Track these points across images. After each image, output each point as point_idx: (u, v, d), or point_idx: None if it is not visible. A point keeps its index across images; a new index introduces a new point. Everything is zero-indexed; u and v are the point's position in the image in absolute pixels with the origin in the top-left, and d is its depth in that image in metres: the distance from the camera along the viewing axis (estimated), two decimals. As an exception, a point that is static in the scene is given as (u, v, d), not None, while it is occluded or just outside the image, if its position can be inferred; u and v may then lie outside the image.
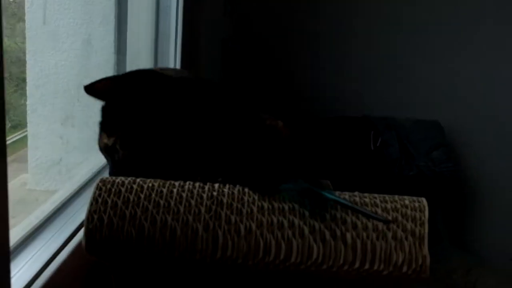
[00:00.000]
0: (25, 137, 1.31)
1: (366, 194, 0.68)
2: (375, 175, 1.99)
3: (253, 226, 0.62)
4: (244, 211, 0.64)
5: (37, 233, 0.77)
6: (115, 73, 1.31)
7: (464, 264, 1.99)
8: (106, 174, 1.08)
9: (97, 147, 0.86)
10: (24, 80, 1.24)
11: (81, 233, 0.79)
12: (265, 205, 0.64)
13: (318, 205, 0.64)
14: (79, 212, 0.85)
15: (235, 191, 0.66)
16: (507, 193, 2.24)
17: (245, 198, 0.65)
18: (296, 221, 0.63)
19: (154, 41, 1.42)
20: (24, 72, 1.23)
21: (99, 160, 1.13)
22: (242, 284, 0.67)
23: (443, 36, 2.15)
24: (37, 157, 1.40)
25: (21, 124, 1.28)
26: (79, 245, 0.73)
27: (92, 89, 0.78)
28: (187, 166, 0.72)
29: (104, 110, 0.81)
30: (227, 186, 0.67)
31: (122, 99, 0.78)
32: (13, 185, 1.39)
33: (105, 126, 0.80)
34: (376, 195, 0.67)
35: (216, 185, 0.67)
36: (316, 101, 2.17)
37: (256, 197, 0.65)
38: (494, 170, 2.24)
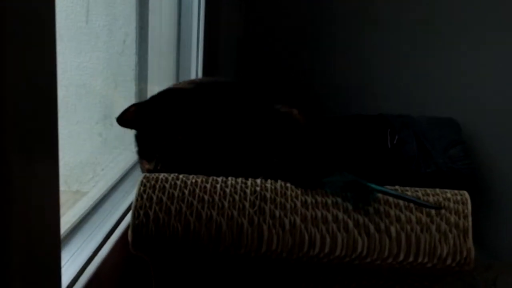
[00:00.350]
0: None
1: (407, 188, 0.68)
2: (393, 172, 1.99)
3: (298, 220, 0.63)
4: (288, 205, 0.64)
5: (79, 228, 0.78)
6: (136, 76, 1.31)
7: (484, 261, 1.98)
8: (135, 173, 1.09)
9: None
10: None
11: (119, 229, 0.80)
12: (309, 199, 0.65)
13: (361, 198, 0.64)
14: (117, 207, 0.86)
15: (278, 186, 0.66)
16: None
17: (288, 193, 0.65)
18: (340, 215, 0.63)
19: (176, 42, 1.42)
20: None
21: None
22: (286, 277, 0.67)
23: (457, 32, 2.14)
24: (65, 158, 1.41)
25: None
26: (118, 241, 0.74)
27: (123, 120, 0.81)
28: (228, 172, 0.74)
29: (137, 138, 0.83)
30: (270, 181, 0.67)
31: (151, 123, 0.80)
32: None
33: (142, 154, 0.82)
34: (418, 188, 0.68)
35: (259, 180, 0.67)
36: (331, 100, 2.18)
37: (299, 192, 0.65)
38: (510, 166, 2.23)
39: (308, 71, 2.17)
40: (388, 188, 0.66)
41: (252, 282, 0.68)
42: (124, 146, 1.25)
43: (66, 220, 0.83)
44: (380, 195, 0.65)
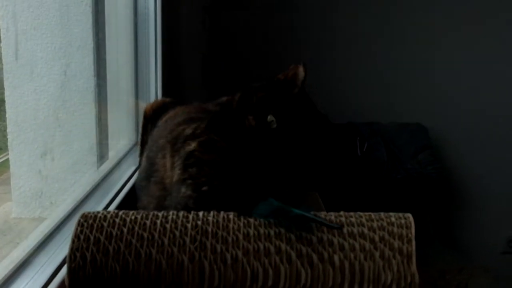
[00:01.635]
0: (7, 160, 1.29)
1: (352, 213, 0.67)
2: (364, 180, 2.00)
3: (240, 254, 0.62)
4: (230, 239, 0.63)
5: (21, 270, 0.76)
6: (96, 98, 1.29)
7: (456, 263, 2.00)
8: (89, 204, 1.07)
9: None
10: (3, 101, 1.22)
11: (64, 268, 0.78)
12: (251, 231, 0.64)
13: (294, 223, 0.63)
14: (64, 243, 0.84)
15: (220, 219, 0.65)
16: (493, 189, 2.27)
17: (230, 225, 0.64)
18: (283, 246, 0.63)
19: (134, 59, 1.40)
20: (3, 93, 1.22)
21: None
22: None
23: (422, 38, 2.17)
24: (20, 185, 1.38)
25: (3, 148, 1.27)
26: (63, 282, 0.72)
27: None
28: None
29: None
30: (212, 213, 0.66)
31: None
32: (-2, 214, 1.38)
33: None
34: (362, 214, 0.67)
35: (201, 213, 0.66)
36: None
37: (241, 224, 0.64)
38: (479, 167, 2.26)
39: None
40: (308, 212, 0.65)
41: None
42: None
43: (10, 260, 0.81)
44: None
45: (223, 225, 0.64)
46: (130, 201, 1.11)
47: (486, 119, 2.22)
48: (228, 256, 0.61)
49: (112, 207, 1.07)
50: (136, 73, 1.38)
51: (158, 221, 0.64)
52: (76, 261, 0.60)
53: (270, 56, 2.12)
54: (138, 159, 1.31)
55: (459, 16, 2.14)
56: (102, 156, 1.28)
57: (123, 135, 1.35)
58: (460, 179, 2.28)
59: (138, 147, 1.16)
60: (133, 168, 1.26)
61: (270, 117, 0.77)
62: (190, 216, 0.65)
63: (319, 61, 2.16)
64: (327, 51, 2.16)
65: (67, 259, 0.60)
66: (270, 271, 0.61)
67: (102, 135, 1.29)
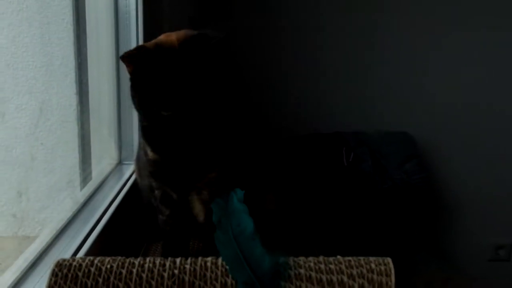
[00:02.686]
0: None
1: (331, 259, 0.67)
2: (350, 190, 2.00)
3: (217, 304, 0.61)
4: (207, 288, 0.62)
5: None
6: (78, 116, 1.27)
7: (443, 273, 2.01)
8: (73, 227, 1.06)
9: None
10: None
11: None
12: (228, 281, 0.63)
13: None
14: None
15: (197, 267, 0.64)
16: (480, 197, 2.28)
17: (208, 275, 0.63)
18: (261, 296, 0.62)
19: (116, 78, 1.38)
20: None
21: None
22: None
23: (408, 48, 2.17)
24: (2, 203, 1.37)
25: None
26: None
27: None
28: None
29: None
30: (189, 261, 0.65)
31: None
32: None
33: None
34: (342, 259, 0.66)
35: (178, 261, 0.65)
36: (286, 119, 2.17)
37: (219, 273, 0.64)
38: (466, 176, 2.27)
39: (263, 91, 2.16)
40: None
41: None
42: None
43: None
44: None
45: (200, 274, 0.63)
46: (115, 222, 1.11)
47: (473, 127, 2.23)
48: (205, 307, 0.61)
49: (96, 230, 1.06)
50: (118, 91, 1.36)
51: (134, 270, 0.63)
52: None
53: (257, 64, 2.11)
54: (121, 179, 1.30)
55: (445, 27, 2.14)
56: (85, 177, 1.26)
57: (105, 154, 1.33)
58: (447, 188, 2.29)
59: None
60: (118, 188, 1.24)
61: None
62: (167, 264, 0.64)
63: (306, 70, 2.16)
64: (314, 61, 2.16)
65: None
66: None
67: (85, 154, 1.28)
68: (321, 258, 0.67)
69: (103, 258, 0.65)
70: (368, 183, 2.00)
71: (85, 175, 1.26)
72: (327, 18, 2.12)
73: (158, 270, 0.63)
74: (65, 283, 0.61)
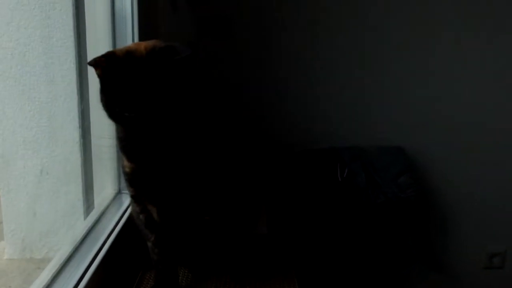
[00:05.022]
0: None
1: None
2: (345, 205, 2.07)
3: None
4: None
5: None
6: (81, 149, 1.36)
7: (438, 285, 2.08)
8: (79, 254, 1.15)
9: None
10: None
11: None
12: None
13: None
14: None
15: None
16: (473, 207, 2.35)
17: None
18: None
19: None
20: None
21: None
22: None
23: (401, 62, 2.23)
24: (12, 228, 1.47)
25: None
26: None
27: None
28: None
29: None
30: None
31: None
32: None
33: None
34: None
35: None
36: (282, 135, 2.24)
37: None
38: (459, 186, 2.34)
39: (258, 108, 2.23)
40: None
41: None
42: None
43: None
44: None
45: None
46: (115, 250, 1.19)
47: (465, 139, 2.30)
48: None
49: (100, 256, 1.15)
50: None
51: None
52: None
53: (252, 80, 2.19)
54: (121, 207, 1.39)
55: (437, 39, 2.20)
56: (88, 206, 1.35)
57: (106, 184, 1.42)
58: (441, 199, 2.36)
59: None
60: (119, 215, 1.33)
61: None
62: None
63: (301, 86, 2.23)
64: (309, 77, 2.23)
65: None
66: None
67: (87, 185, 1.37)
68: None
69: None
70: (362, 198, 2.07)
71: (88, 204, 1.35)
72: (322, 35, 2.19)
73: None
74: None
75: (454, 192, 2.34)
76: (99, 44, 1.34)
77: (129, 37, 1.42)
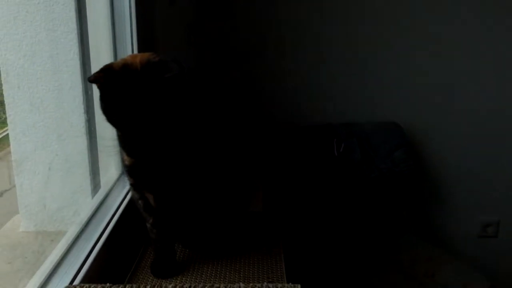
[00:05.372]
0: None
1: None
2: (340, 179, 2.17)
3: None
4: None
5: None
6: (87, 131, 1.46)
7: (427, 253, 2.16)
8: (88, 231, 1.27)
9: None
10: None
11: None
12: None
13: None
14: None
15: None
16: (466, 178, 2.43)
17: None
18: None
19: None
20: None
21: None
22: None
23: (398, 38, 2.28)
24: (27, 203, 1.59)
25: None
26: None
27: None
28: None
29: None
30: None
31: None
32: (6, 228, 1.60)
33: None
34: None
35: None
36: (281, 112, 2.32)
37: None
38: (454, 158, 2.42)
39: (260, 84, 2.31)
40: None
41: None
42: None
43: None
44: None
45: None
46: (122, 225, 1.31)
47: (460, 112, 2.36)
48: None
49: (107, 232, 1.27)
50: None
51: None
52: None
53: (252, 57, 2.25)
54: (125, 187, 1.50)
55: (437, 17, 2.24)
56: (95, 186, 1.47)
57: (111, 165, 1.53)
58: (435, 171, 2.44)
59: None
60: (123, 195, 1.45)
61: None
62: None
63: (301, 63, 2.29)
64: (308, 54, 2.29)
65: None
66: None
67: (94, 167, 1.48)
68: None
69: (106, 286, 0.85)
70: (357, 172, 2.17)
71: (95, 184, 1.47)
72: (322, 13, 2.24)
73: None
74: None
75: (448, 165, 2.42)
76: (100, 36, 1.43)
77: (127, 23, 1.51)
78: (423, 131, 2.36)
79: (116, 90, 0.94)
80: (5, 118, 1.80)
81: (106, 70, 0.96)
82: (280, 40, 2.26)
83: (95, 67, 1.47)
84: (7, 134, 1.94)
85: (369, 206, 2.16)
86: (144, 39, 1.52)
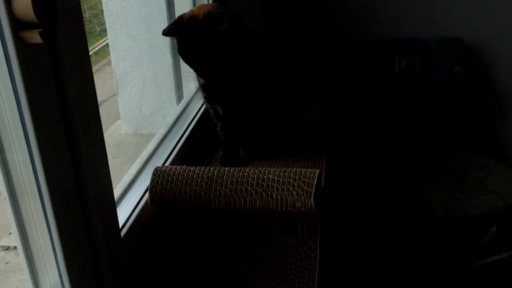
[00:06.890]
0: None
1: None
2: (400, 93, 2.33)
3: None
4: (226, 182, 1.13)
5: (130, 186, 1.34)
6: (171, 50, 1.76)
7: (481, 162, 2.20)
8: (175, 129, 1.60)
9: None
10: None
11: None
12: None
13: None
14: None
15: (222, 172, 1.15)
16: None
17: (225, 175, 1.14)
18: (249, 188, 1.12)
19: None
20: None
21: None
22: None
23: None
24: (127, 109, 1.96)
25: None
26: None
27: None
28: None
29: None
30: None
31: None
32: (110, 131, 2.00)
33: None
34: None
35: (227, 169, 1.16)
36: (347, 28, 2.45)
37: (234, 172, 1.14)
38: None
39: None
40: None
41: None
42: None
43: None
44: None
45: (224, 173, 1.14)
46: (199, 128, 1.62)
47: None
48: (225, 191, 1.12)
49: (187, 133, 1.60)
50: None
51: (205, 174, 1.15)
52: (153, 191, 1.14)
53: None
54: (202, 98, 1.81)
55: None
56: (179, 96, 1.80)
57: (191, 81, 1.84)
58: (501, 86, 2.48)
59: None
60: (200, 104, 1.76)
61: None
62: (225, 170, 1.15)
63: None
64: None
65: (149, 191, 1.15)
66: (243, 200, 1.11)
67: (178, 81, 1.80)
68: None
69: (186, 166, 1.18)
70: (415, 87, 2.31)
71: (179, 95, 1.80)
72: None
73: (221, 172, 1.14)
74: (162, 177, 1.15)
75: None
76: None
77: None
78: (488, 46, 2.38)
79: (186, 40, 1.21)
80: (100, 31, 2.19)
81: (177, 23, 1.22)
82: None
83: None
84: (102, 47, 2.35)
85: (427, 120, 2.30)
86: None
